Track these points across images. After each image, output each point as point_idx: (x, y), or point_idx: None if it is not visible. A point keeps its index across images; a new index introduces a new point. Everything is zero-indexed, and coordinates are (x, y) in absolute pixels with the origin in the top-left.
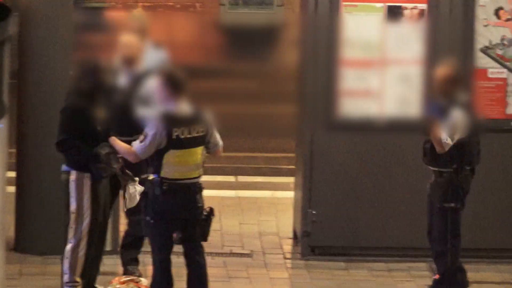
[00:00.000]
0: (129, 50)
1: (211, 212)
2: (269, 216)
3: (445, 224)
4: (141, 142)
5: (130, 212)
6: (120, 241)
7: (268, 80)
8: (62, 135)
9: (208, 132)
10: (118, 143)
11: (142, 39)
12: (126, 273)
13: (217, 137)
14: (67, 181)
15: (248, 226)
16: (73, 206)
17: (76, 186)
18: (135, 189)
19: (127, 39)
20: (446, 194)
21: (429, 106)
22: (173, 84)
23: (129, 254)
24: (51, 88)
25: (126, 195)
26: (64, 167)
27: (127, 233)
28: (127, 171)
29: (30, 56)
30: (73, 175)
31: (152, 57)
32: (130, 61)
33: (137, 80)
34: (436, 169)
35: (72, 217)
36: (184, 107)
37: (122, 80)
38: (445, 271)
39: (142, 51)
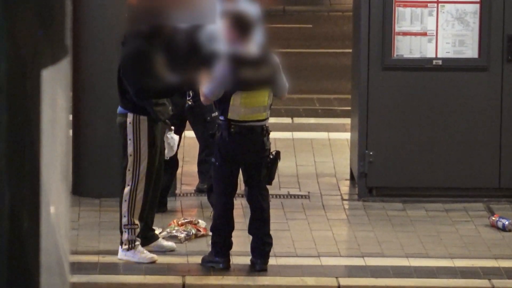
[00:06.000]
0: None
1: (277, 155)
2: (325, 157)
3: None
4: (210, 83)
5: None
6: (178, 183)
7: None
8: (138, 83)
9: (275, 75)
10: (202, 82)
11: None
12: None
13: (284, 80)
14: (124, 124)
15: (305, 167)
16: (130, 149)
17: (134, 129)
18: (173, 138)
19: None
20: None
21: None
22: (242, 25)
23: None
24: (105, 30)
25: (165, 144)
26: (120, 109)
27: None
28: (167, 120)
29: None
30: (129, 118)
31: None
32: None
33: None
34: None
35: (130, 160)
36: (252, 48)
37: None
38: None
39: None
